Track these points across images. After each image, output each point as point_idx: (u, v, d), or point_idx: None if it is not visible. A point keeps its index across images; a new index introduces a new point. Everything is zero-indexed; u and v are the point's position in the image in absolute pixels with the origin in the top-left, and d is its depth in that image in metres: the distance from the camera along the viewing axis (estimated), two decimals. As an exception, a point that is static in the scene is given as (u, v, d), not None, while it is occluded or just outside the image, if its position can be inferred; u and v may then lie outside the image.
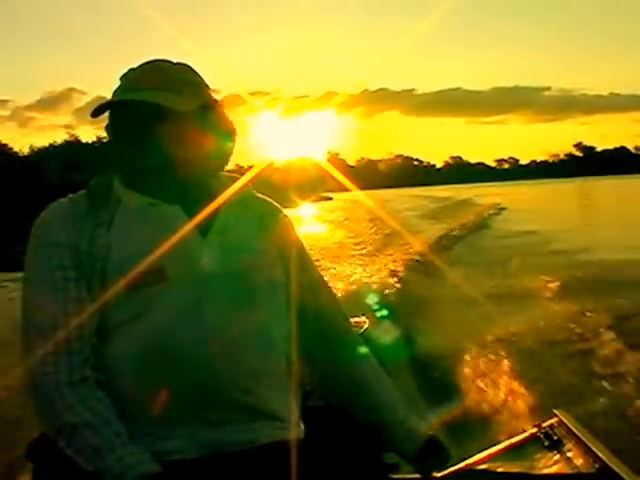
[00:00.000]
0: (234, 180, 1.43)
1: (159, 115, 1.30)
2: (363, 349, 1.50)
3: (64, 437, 1.20)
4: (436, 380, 4.00)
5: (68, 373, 1.23)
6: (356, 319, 2.46)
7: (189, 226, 1.31)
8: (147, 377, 1.25)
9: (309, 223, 22.86)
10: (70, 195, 1.37)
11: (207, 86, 1.40)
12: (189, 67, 1.39)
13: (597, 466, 1.34)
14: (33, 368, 1.23)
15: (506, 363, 4.42)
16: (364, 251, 12.16)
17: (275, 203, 1.50)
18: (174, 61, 1.38)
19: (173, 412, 1.25)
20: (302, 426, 1.39)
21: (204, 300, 1.27)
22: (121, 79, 1.37)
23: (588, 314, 5.79)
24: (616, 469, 1.31)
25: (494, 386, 4.09)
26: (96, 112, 1.32)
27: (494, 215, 22.09)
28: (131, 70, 1.37)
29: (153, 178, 1.33)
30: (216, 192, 1.37)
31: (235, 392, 1.28)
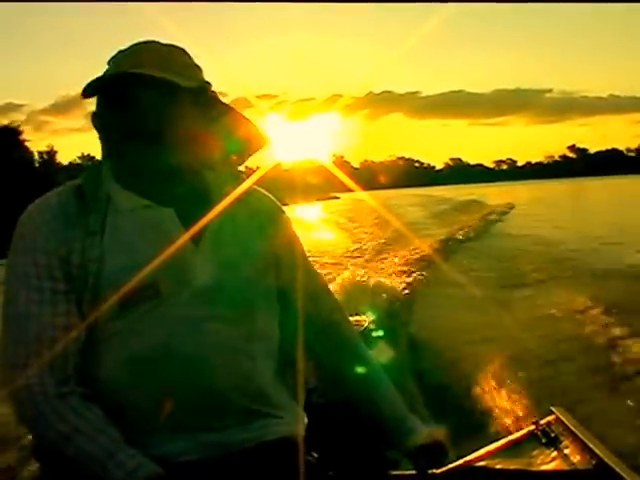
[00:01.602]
0: (239, 180, 1.37)
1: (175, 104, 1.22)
2: (364, 348, 1.49)
3: (60, 448, 1.16)
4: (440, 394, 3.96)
5: (54, 386, 1.18)
6: (357, 317, 2.47)
7: (182, 234, 1.24)
8: (143, 388, 1.21)
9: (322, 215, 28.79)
10: (57, 190, 1.27)
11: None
12: (182, 49, 1.29)
13: (594, 463, 1.35)
14: (16, 380, 1.17)
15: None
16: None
17: (274, 199, 1.44)
18: (163, 42, 1.28)
19: (173, 420, 1.21)
20: (305, 422, 1.38)
21: (199, 313, 1.23)
22: (109, 63, 1.27)
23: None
24: (613, 466, 1.32)
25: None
26: (97, 91, 1.24)
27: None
28: (120, 52, 1.28)
29: (154, 180, 1.25)
30: (216, 193, 1.31)
31: (236, 400, 1.25)
